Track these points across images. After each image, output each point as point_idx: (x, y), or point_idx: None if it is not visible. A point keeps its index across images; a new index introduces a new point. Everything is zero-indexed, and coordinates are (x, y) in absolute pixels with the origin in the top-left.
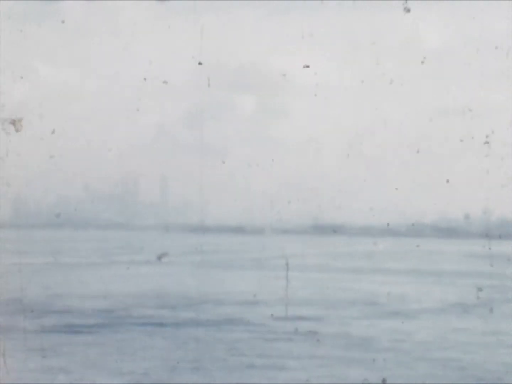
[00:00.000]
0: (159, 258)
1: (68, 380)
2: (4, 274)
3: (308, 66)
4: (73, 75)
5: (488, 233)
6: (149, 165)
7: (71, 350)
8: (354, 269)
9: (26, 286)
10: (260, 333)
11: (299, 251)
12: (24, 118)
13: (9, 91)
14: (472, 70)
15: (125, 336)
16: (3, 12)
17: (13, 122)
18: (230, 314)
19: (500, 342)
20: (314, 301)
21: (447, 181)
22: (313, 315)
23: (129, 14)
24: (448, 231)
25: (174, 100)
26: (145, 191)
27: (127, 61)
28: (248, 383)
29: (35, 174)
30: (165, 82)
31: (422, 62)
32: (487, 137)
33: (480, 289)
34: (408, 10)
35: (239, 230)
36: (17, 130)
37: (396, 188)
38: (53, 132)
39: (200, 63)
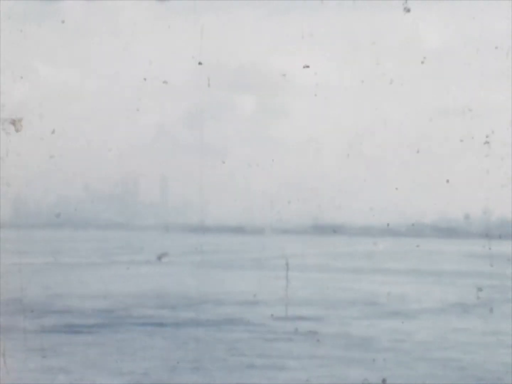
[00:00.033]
0: (159, 258)
1: (68, 380)
2: (4, 274)
3: (308, 66)
4: (73, 75)
5: (488, 233)
6: (149, 165)
7: (71, 350)
8: (354, 269)
9: (26, 286)
10: (260, 333)
11: (299, 251)
12: (24, 118)
13: (9, 91)
14: (472, 70)
15: (125, 336)
16: (3, 12)
17: (13, 122)
18: (230, 314)
19: (500, 342)
20: (314, 301)
21: (447, 181)
22: (313, 315)
23: (129, 14)
24: (448, 231)
25: (174, 100)
26: (145, 191)
27: (127, 61)
28: (248, 383)
29: (35, 174)
30: (165, 82)
31: (422, 62)
32: (487, 137)
33: (480, 289)
34: (408, 10)
35: (239, 230)
36: (17, 130)
37: (396, 188)
38: (53, 132)
39: (200, 63)
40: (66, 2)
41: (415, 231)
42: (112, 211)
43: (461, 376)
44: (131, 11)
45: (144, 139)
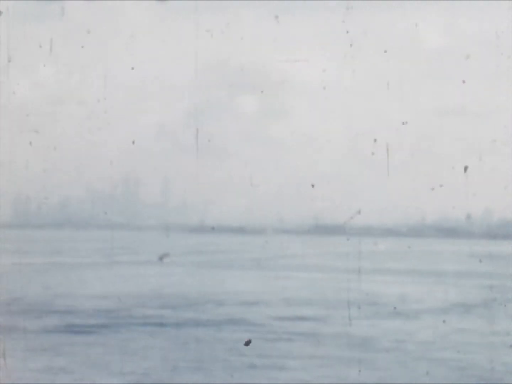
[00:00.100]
0: (161, 258)
1: (69, 380)
2: (4, 274)
3: (308, 66)
4: (73, 75)
5: (489, 233)
6: (149, 165)
7: (72, 350)
8: (354, 269)
9: (26, 286)
10: (261, 333)
11: (299, 251)
12: (26, 118)
13: (9, 90)
14: (472, 70)
15: (126, 336)
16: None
17: (14, 123)
18: (230, 314)
19: (500, 342)
20: (314, 301)
21: (447, 181)
22: (313, 315)
23: (129, 14)
24: (448, 231)
25: (174, 100)
26: (146, 191)
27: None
28: (248, 383)
29: (35, 174)
30: (165, 82)
31: (422, 62)
32: (487, 137)
33: (480, 289)
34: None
35: (239, 230)
36: (18, 130)
37: (396, 188)
38: (53, 132)
39: (199, 63)
40: (66, 2)
41: (415, 231)
42: (112, 211)
43: (461, 376)
44: (131, 11)
45: (144, 139)
